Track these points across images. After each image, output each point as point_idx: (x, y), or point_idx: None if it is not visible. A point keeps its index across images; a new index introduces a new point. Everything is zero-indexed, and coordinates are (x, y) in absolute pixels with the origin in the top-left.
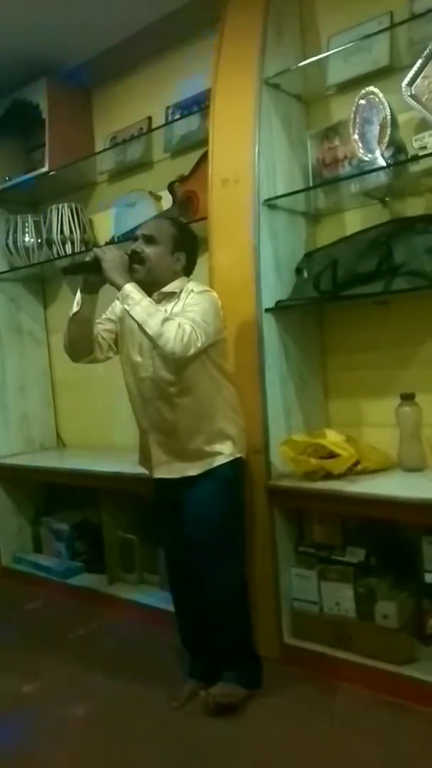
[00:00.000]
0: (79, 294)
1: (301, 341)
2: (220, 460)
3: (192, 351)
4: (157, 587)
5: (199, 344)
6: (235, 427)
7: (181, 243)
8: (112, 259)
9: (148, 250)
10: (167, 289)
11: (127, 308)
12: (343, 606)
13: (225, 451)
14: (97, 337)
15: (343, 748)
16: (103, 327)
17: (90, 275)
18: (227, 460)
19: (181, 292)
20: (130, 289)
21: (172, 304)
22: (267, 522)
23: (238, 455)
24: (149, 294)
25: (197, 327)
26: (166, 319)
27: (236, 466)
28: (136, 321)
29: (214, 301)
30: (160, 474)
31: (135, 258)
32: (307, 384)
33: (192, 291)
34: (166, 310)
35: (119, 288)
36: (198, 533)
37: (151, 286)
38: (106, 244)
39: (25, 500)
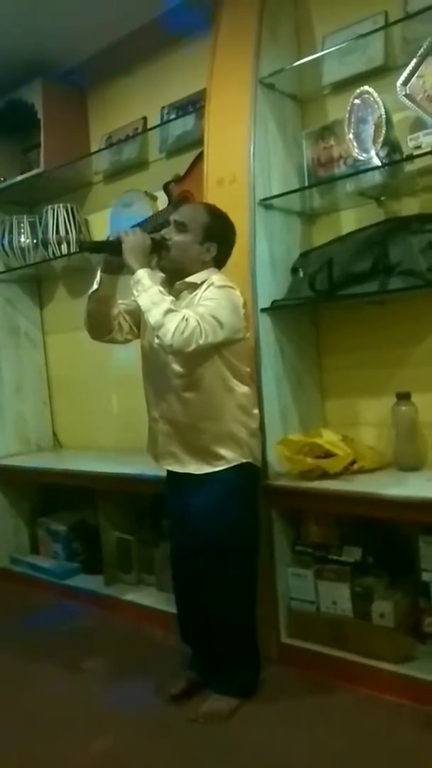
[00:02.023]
0: (99, 273)
1: (296, 341)
2: (224, 465)
3: (193, 347)
4: (155, 588)
5: (201, 341)
6: (244, 431)
7: (213, 233)
8: (132, 241)
9: (177, 238)
10: (190, 279)
11: (135, 294)
12: (339, 605)
13: (230, 456)
14: (118, 318)
15: (341, 748)
16: (126, 308)
17: (108, 255)
18: (231, 465)
19: (203, 283)
20: (142, 275)
21: (193, 295)
22: (263, 522)
23: (245, 460)
24: (173, 283)
25: (204, 322)
26: (170, 310)
27: (243, 471)
28: (141, 308)
29: (232, 298)
30: (164, 464)
31: (161, 245)
32: (303, 383)
33: (213, 284)
34: (173, 300)
35: (133, 272)
36: (200, 540)
37: (176, 275)
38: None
39: (22, 501)
